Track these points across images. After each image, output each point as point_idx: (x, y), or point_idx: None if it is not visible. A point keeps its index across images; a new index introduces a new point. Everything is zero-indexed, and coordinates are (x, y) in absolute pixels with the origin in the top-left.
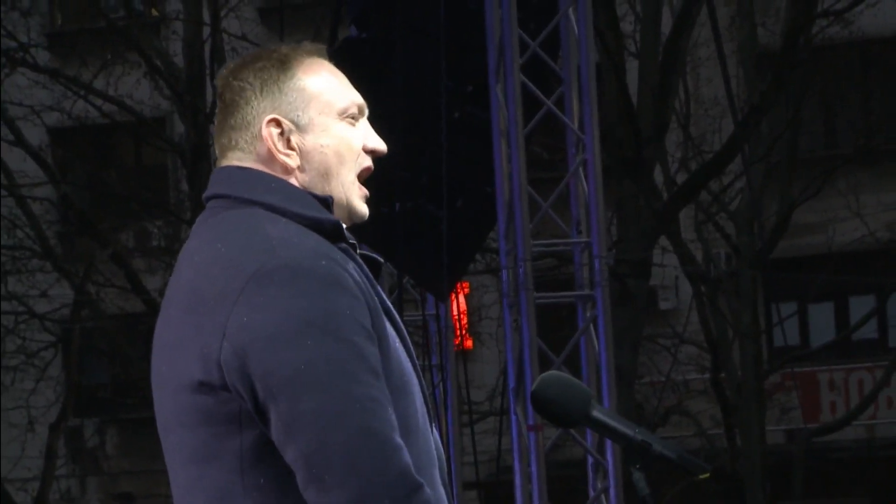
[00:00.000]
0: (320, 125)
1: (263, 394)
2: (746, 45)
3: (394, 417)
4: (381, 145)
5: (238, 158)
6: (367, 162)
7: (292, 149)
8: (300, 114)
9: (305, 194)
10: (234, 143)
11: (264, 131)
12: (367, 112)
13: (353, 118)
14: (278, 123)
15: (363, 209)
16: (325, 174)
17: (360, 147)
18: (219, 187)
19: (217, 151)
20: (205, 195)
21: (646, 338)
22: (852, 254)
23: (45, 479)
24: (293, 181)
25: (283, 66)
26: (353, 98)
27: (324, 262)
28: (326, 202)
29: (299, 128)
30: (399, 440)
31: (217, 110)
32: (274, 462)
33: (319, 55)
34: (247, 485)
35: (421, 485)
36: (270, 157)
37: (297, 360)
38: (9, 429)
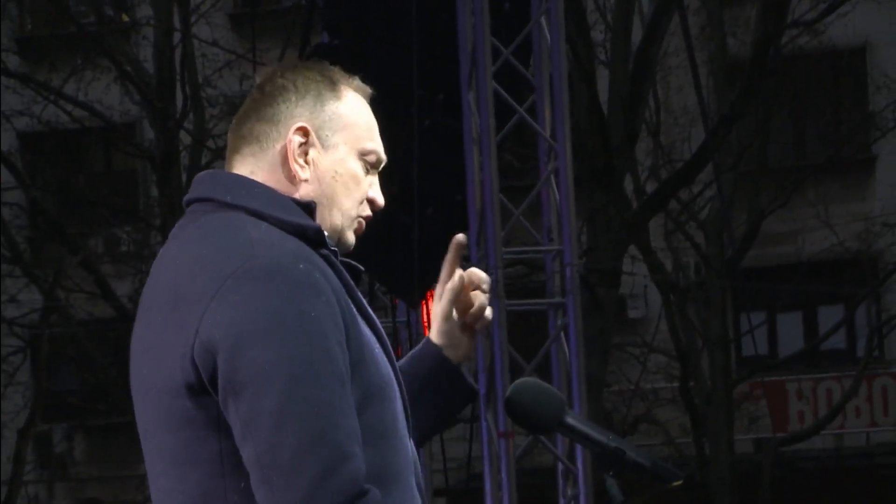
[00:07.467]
0: (342, 153)
1: (226, 390)
2: (717, 54)
3: (355, 425)
4: (380, 198)
5: (251, 152)
6: (367, 211)
7: (307, 162)
8: (329, 134)
9: (288, 199)
10: (254, 134)
11: (290, 134)
12: (380, 167)
13: (369, 164)
14: (306, 133)
15: (350, 242)
16: (330, 199)
17: (365, 192)
18: (202, 191)
19: (229, 141)
20: (186, 198)
21: (615, 346)
22: (821, 263)
23: (13, 485)
24: (295, 193)
25: (333, 85)
26: (378, 147)
27: (302, 266)
28: (309, 207)
29: (323, 146)
30: (353, 449)
31: (248, 100)
32: None
33: (365, 96)
34: (228, 488)
35: (366, 491)
36: (283, 161)
37: (263, 360)
38: None
